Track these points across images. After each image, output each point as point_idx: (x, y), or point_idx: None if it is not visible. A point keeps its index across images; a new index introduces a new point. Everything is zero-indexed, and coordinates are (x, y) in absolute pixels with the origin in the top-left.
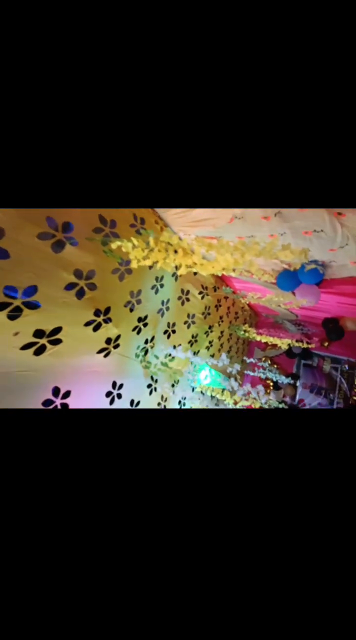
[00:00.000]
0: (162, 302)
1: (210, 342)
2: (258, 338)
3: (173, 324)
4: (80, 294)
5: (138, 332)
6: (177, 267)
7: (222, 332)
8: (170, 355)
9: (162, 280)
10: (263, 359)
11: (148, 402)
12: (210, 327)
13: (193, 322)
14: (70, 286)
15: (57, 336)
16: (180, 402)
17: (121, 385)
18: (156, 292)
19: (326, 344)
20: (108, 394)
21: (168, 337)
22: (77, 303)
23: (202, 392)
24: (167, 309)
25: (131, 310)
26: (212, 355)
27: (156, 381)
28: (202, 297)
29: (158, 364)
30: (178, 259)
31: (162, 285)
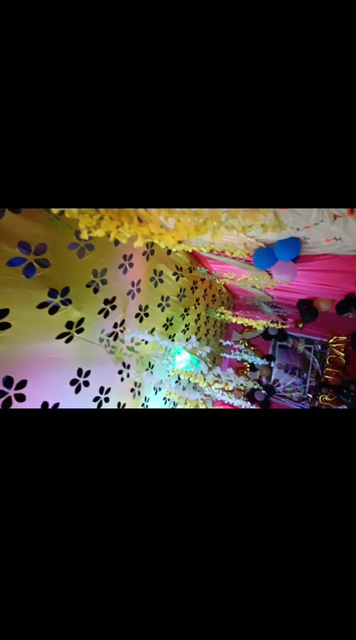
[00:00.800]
0: (132, 284)
1: (186, 326)
2: (234, 320)
3: (146, 307)
4: (29, 271)
5: (105, 315)
6: (150, 245)
7: (198, 315)
8: (139, 339)
9: (130, 259)
10: (241, 341)
11: (120, 389)
12: (186, 310)
13: (168, 305)
14: (15, 261)
15: (4, 320)
16: (155, 388)
17: (88, 372)
18: (125, 271)
19: (300, 325)
20: (74, 382)
21: (141, 320)
22: (25, 282)
23: (178, 376)
24: (138, 290)
25: (95, 291)
26: (188, 339)
27: (128, 367)
28: (177, 279)
29: (124, 348)
30: (134, 228)
31: (131, 265)
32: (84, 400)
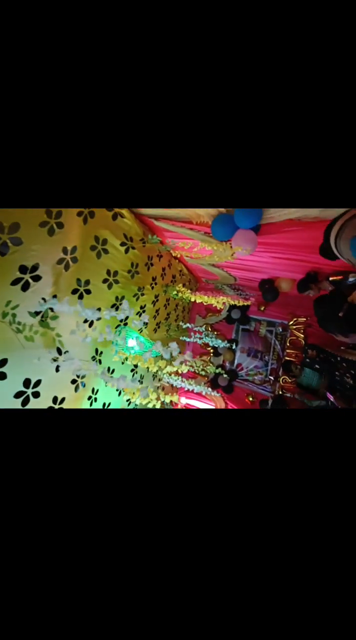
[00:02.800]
0: (64, 250)
1: (141, 308)
2: (192, 298)
3: (87, 282)
4: None
5: (24, 288)
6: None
7: (156, 297)
8: (50, 310)
9: (58, 217)
10: (204, 326)
11: (56, 381)
12: (140, 289)
13: (116, 282)
14: None
15: None
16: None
17: (4, 362)
18: (51, 233)
19: (262, 307)
20: None
21: (81, 297)
22: None
23: (124, 359)
24: (74, 259)
25: (2, 254)
26: (145, 323)
27: (65, 352)
28: (126, 251)
29: (35, 324)
30: None
31: (59, 225)
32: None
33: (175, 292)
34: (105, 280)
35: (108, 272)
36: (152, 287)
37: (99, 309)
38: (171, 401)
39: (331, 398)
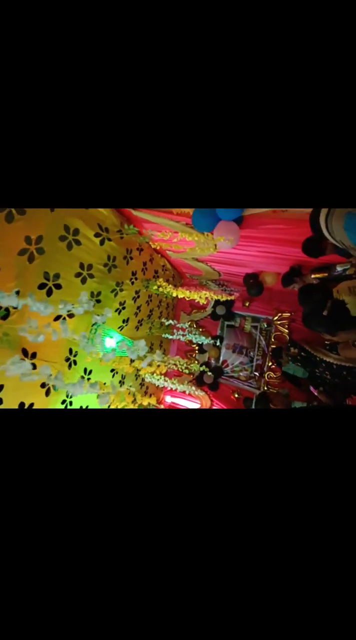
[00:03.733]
0: (27, 240)
1: (121, 304)
2: (174, 293)
3: (57, 276)
4: None
5: None
6: None
7: (137, 293)
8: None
9: None
10: (189, 322)
11: (22, 384)
12: (118, 284)
13: (91, 276)
14: None
15: None
16: (82, 376)
17: None
18: (9, 218)
19: (247, 303)
20: None
21: (49, 293)
22: None
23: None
24: (39, 250)
25: None
26: (125, 321)
27: (33, 355)
28: (102, 242)
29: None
30: None
31: (21, 212)
32: None
33: (155, 287)
34: (78, 274)
35: (81, 266)
36: (132, 283)
37: (68, 303)
38: (149, 403)
39: (315, 392)
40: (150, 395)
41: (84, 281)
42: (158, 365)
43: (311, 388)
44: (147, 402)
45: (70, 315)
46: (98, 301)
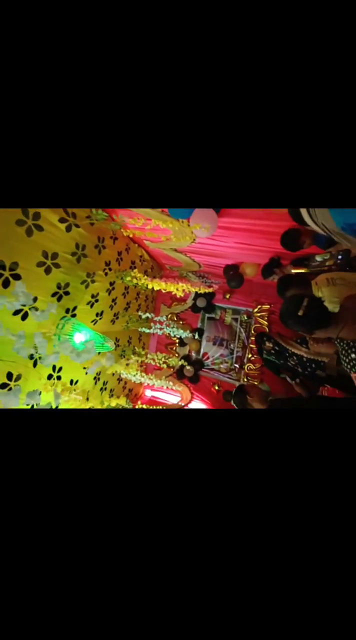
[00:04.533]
0: None
1: (93, 297)
2: (150, 285)
3: (15, 265)
4: None
5: None
6: None
7: (112, 284)
8: None
9: None
10: (169, 315)
11: None
12: (89, 275)
13: (57, 266)
14: None
15: None
16: (51, 372)
17: None
18: None
19: (227, 295)
20: None
21: (6, 285)
22: None
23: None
24: None
25: None
26: (99, 314)
27: None
28: (68, 229)
29: None
30: None
31: None
32: None
33: (129, 279)
34: (40, 264)
35: (44, 254)
36: (106, 274)
37: (74, 314)
38: (118, 404)
39: (292, 382)
40: (129, 391)
41: (48, 271)
42: (127, 364)
43: (288, 379)
44: (115, 402)
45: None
46: (66, 293)
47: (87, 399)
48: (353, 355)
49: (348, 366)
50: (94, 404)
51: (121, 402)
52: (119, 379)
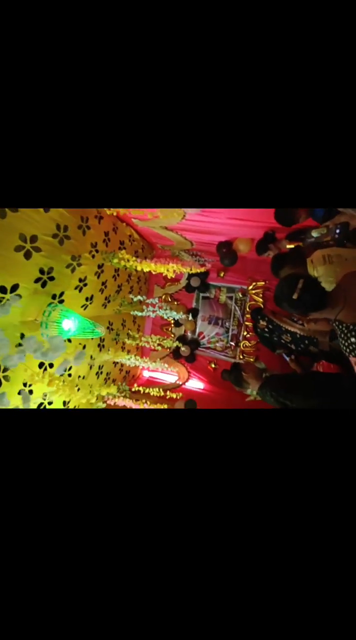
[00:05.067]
0: None
1: (81, 281)
2: (139, 267)
3: None
4: None
5: None
6: None
7: (100, 267)
8: None
9: None
10: (163, 296)
11: None
12: (75, 258)
13: (37, 249)
14: None
15: None
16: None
17: None
18: None
19: (222, 274)
20: None
21: None
22: None
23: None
24: None
25: None
26: (89, 298)
27: None
28: (46, 209)
29: None
30: None
31: None
32: None
33: (116, 261)
34: (19, 248)
35: (22, 237)
36: (93, 256)
37: (62, 301)
38: (108, 393)
39: (287, 359)
40: (126, 373)
41: (28, 255)
42: (109, 350)
43: (284, 356)
44: (106, 391)
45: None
46: (51, 278)
47: (78, 388)
48: (353, 339)
49: (348, 350)
50: (83, 394)
51: (112, 390)
52: (115, 363)
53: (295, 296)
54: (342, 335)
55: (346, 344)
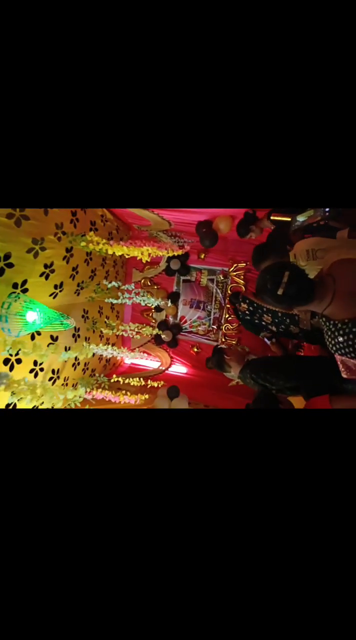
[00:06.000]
0: None
1: (48, 267)
2: (110, 251)
3: None
4: None
5: None
6: None
7: (69, 251)
8: None
9: None
10: (142, 280)
11: None
12: (36, 242)
13: None
14: None
15: None
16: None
17: None
18: None
19: (202, 255)
20: None
21: None
22: None
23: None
24: None
25: None
26: (59, 285)
27: None
28: None
29: None
30: None
31: None
32: None
33: (84, 244)
34: None
35: None
36: (59, 239)
37: (25, 290)
38: (75, 396)
39: (268, 342)
40: (106, 362)
41: None
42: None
43: (266, 340)
44: (72, 395)
45: None
46: (9, 265)
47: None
48: (340, 339)
49: (334, 348)
50: (45, 399)
51: (78, 393)
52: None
53: (280, 292)
54: (329, 333)
55: (333, 342)
